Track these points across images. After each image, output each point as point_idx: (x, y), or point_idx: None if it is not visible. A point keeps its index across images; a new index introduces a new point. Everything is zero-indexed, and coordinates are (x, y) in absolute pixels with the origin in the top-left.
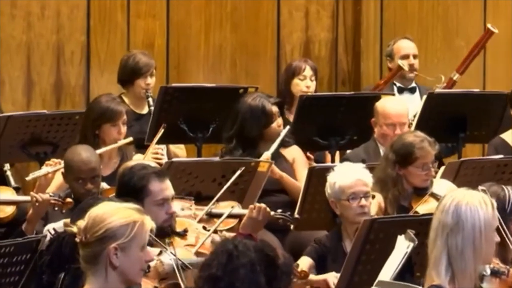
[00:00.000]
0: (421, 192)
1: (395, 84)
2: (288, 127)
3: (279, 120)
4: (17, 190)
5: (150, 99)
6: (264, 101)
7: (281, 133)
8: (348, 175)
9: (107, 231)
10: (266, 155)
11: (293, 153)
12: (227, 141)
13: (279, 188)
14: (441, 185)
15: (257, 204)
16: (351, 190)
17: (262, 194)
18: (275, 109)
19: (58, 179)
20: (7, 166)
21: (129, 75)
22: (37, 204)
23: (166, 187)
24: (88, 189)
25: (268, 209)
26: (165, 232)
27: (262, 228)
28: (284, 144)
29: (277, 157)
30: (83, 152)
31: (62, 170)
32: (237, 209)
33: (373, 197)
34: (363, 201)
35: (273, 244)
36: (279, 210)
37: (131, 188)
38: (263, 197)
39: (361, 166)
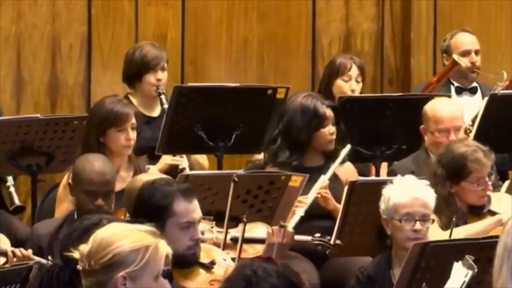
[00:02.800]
0: (477, 210)
1: (452, 84)
2: (349, 146)
3: (332, 128)
4: (22, 209)
5: (163, 97)
6: (317, 102)
7: (342, 153)
8: (405, 191)
9: (115, 257)
10: (323, 180)
11: (347, 172)
12: (270, 143)
13: (323, 213)
14: (501, 201)
15: (274, 227)
16: (405, 209)
17: (304, 218)
18: (329, 112)
19: (64, 198)
20: (10, 181)
21: (136, 70)
22: (15, 259)
23: (194, 209)
24: (99, 205)
25: (289, 229)
26: (188, 262)
27: (288, 250)
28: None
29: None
30: (97, 162)
31: (69, 180)
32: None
33: (433, 221)
34: (417, 225)
35: (309, 272)
36: (317, 235)
37: (151, 206)
38: (305, 222)
39: (424, 183)
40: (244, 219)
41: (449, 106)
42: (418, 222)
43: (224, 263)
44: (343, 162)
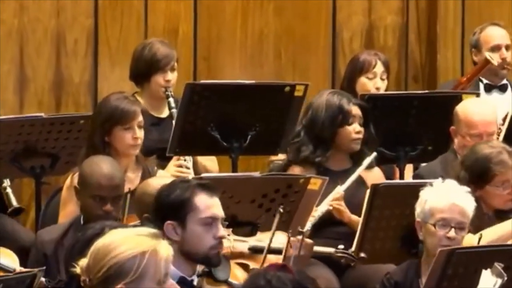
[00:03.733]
0: (504, 215)
1: (481, 81)
2: (374, 154)
3: (358, 127)
4: (21, 211)
5: (171, 100)
6: (343, 99)
7: (365, 161)
8: (444, 196)
9: (110, 270)
10: (338, 191)
11: (375, 178)
12: (294, 137)
13: (341, 219)
14: None
15: (292, 239)
16: (441, 215)
17: (321, 224)
18: (355, 110)
19: (69, 200)
20: (6, 182)
21: (144, 69)
22: None
23: (216, 204)
24: (108, 210)
25: (308, 240)
26: (212, 264)
27: (309, 260)
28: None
29: (355, 180)
30: (105, 165)
31: (76, 184)
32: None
33: (469, 231)
34: (452, 232)
35: (327, 277)
36: (341, 246)
37: (171, 203)
38: (322, 228)
39: (465, 189)
40: (280, 210)
41: (483, 109)
42: (453, 230)
43: None
44: (370, 167)
